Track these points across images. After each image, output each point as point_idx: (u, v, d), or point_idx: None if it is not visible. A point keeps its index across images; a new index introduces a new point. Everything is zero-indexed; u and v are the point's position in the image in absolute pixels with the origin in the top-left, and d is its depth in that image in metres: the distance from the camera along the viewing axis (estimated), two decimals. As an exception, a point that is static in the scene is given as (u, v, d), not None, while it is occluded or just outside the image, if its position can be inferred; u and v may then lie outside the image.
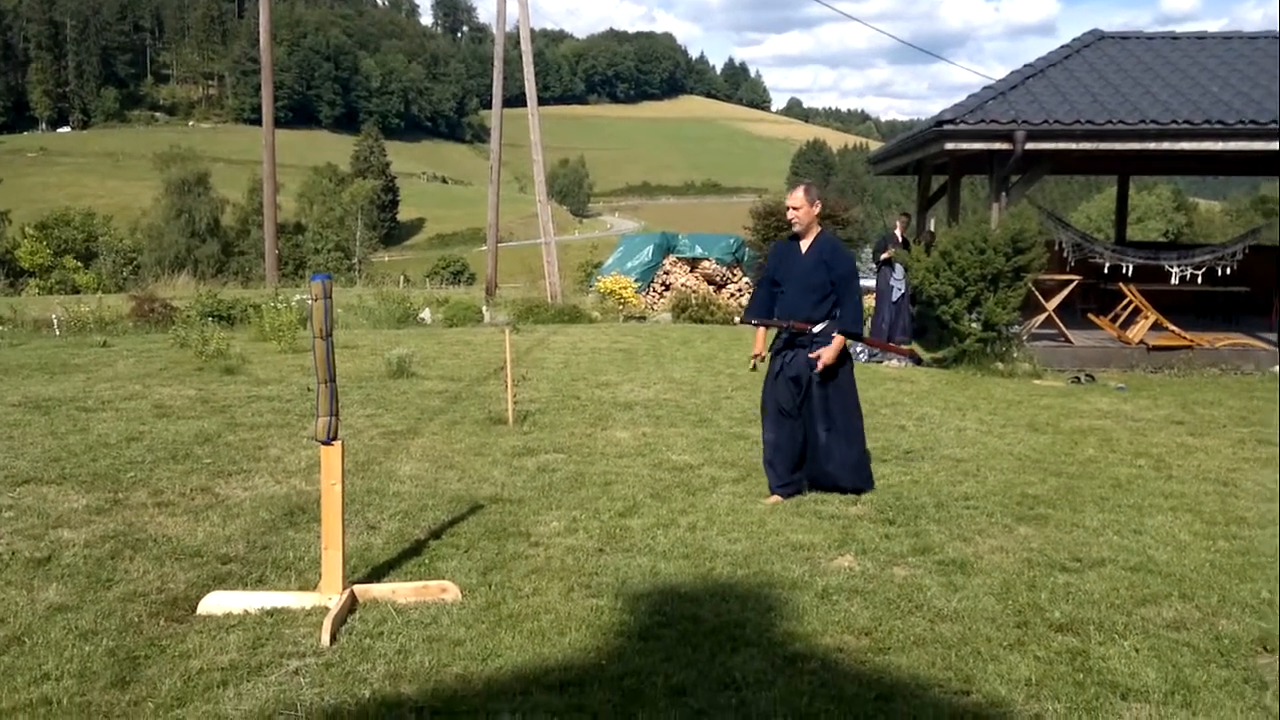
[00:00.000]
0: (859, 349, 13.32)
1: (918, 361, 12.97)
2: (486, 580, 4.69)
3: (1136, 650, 4.02)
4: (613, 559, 5.02)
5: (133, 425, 7.94)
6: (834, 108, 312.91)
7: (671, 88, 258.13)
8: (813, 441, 6.26)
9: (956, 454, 7.55)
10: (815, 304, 6.28)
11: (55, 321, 15.95)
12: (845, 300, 6.26)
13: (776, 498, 6.17)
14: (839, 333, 6.22)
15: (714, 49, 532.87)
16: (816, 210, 6.40)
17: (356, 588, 4.45)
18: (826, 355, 6.15)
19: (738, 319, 20.19)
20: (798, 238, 6.41)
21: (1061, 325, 13.36)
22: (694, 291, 21.10)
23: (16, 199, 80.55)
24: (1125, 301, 13.72)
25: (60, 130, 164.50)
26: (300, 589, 4.50)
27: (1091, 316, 14.13)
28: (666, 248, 22.39)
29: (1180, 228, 67.42)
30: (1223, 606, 4.52)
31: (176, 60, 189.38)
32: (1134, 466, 7.27)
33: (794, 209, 6.35)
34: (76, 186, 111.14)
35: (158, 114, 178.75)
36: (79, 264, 44.69)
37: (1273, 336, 13.34)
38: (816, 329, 6.24)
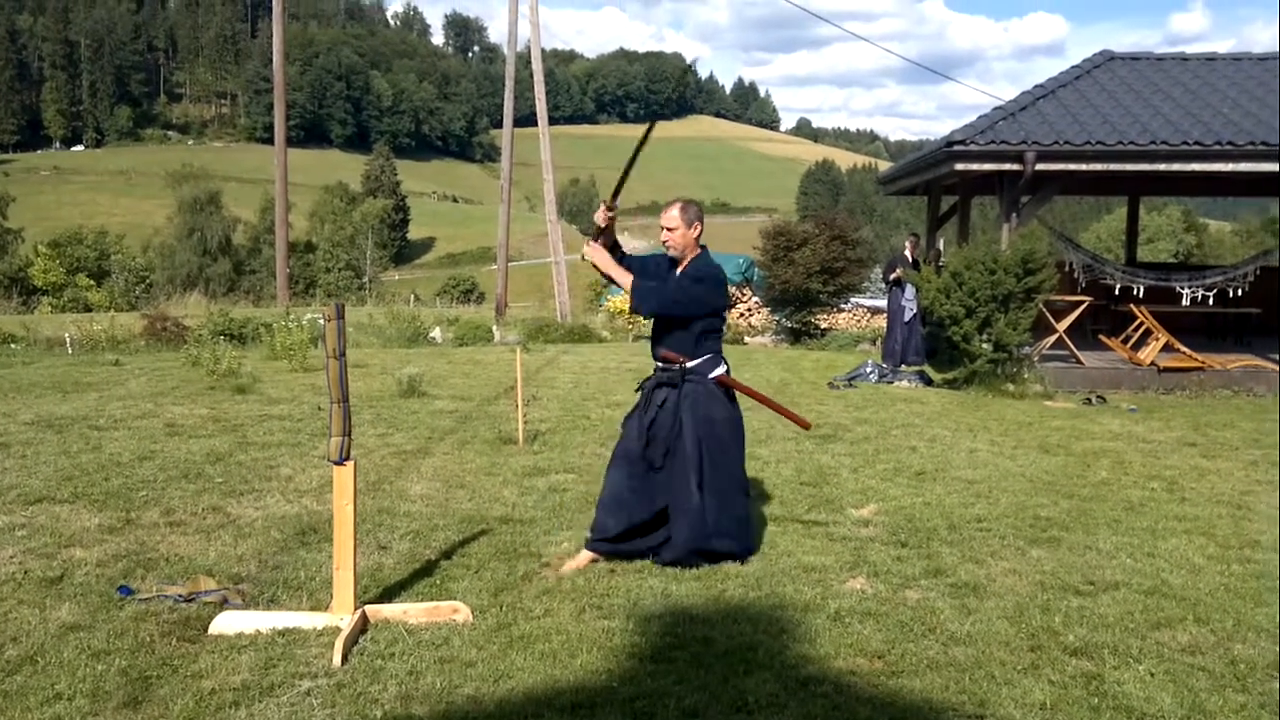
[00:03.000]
0: (869, 369, 13.31)
1: (928, 382, 12.95)
2: (498, 601, 4.69)
3: (1151, 674, 3.99)
4: (624, 580, 5.01)
5: (145, 444, 7.97)
6: (843, 128, 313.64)
7: (681, 107, 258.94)
8: (680, 503, 5.18)
9: (968, 476, 7.53)
10: (684, 333, 5.26)
11: (68, 340, 16.03)
12: (667, 286, 5.24)
13: (590, 555, 5.22)
14: (632, 284, 5.20)
15: (723, 69, 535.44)
16: (696, 233, 5.29)
17: (368, 608, 4.45)
18: (592, 253, 5.24)
19: (747, 338, 20.20)
20: (675, 262, 5.36)
21: (1072, 346, 13.33)
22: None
23: (30, 217, 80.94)
24: (1136, 323, 13.69)
25: (74, 149, 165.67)
26: (312, 609, 4.50)
27: (1102, 338, 14.11)
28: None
29: (1190, 249, 67.19)
30: (1238, 630, 4.49)
31: (190, 79, 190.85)
32: (1146, 489, 7.24)
33: (668, 230, 5.28)
34: (89, 205, 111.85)
35: (170, 133, 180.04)
36: (91, 282, 44.95)
37: (1285, 358, 13.29)
38: (691, 363, 5.25)
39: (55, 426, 8.62)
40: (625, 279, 5.26)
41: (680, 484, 5.19)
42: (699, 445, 5.20)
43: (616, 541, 5.22)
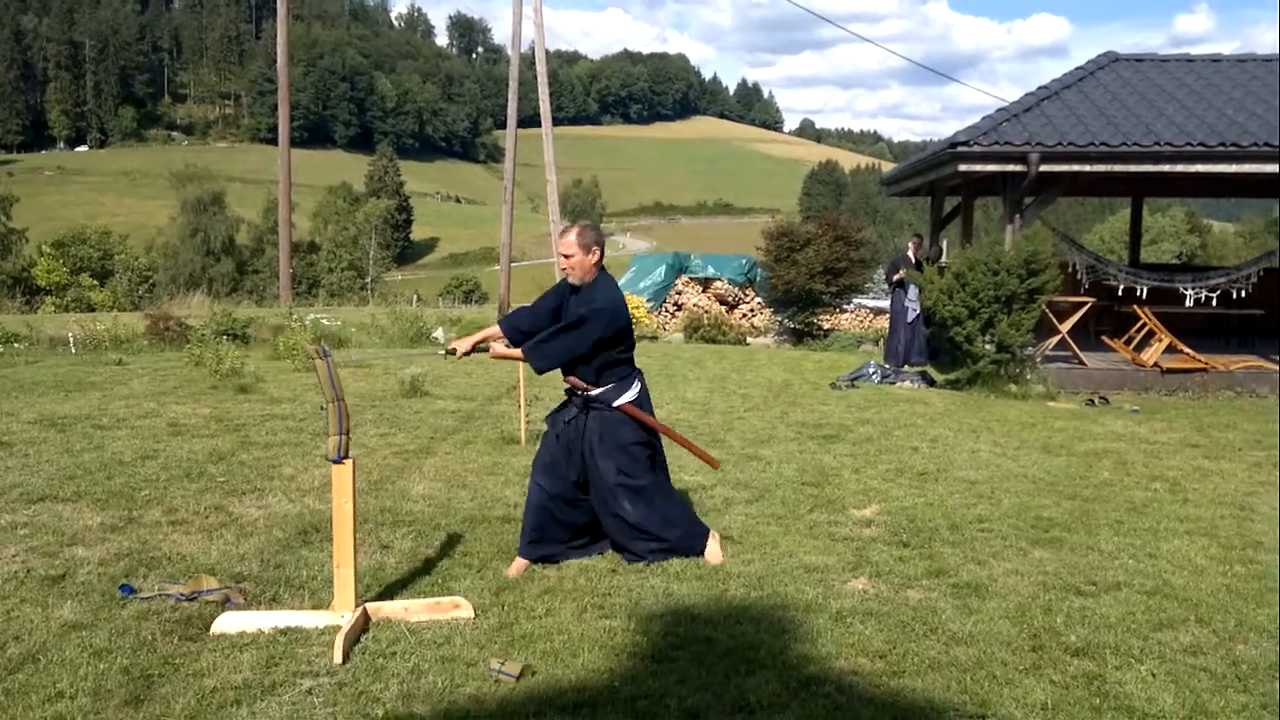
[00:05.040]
0: (872, 369, 13.30)
1: (931, 383, 12.94)
2: (499, 600, 4.69)
3: (1153, 675, 3.99)
4: (625, 580, 5.01)
5: (147, 443, 7.98)
6: (847, 128, 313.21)
7: (684, 108, 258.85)
8: (617, 518, 5.22)
9: (970, 476, 7.52)
10: (585, 367, 5.24)
11: (71, 339, 16.03)
12: (555, 338, 5.16)
13: (525, 562, 5.18)
14: (523, 349, 5.15)
15: (727, 70, 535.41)
16: (594, 258, 5.17)
17: (369, 606, 4.45)
18: (464, 346, 5.18)
19: (750, 339, 20.20)
20: (575, 289, 5.26)
21: (1075, 347, 13.31)
22: (706, 312, 21.12)
23: (34, 217, 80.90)
24: (1139, 324, 13.67)
25: (78, 149, 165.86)
26: (314, 608, 4.51)
27: (1105, 339, 14.09)
28: (679, 268, 22.43)
29: (1194, 250, 67.22)
30: (1240, 631, 4.49)
31: (194, 80, 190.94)
32: (1149, 490, 7.23)
33: (566, 256, 5.17)
34: (93, 205, 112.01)
35: (174, 133, 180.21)
36: (95, 282, 44.94)
37: (1288, 359, 13.27)
38: (595, 391, 5.24)
39: (58, 425, 8.63)
40: (515, 351, 5.19)
41: (606, 507, 5.23)
42: (617, 471, 5.21)
43: (552, 546, 5.26)
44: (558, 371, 5.30)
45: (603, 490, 5.22)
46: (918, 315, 14.86)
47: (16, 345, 15.42)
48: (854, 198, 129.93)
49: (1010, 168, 12.70)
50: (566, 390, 5.40)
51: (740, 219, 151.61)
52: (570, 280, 5.24)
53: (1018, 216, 13.13)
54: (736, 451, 8.26)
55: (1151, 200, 35.32)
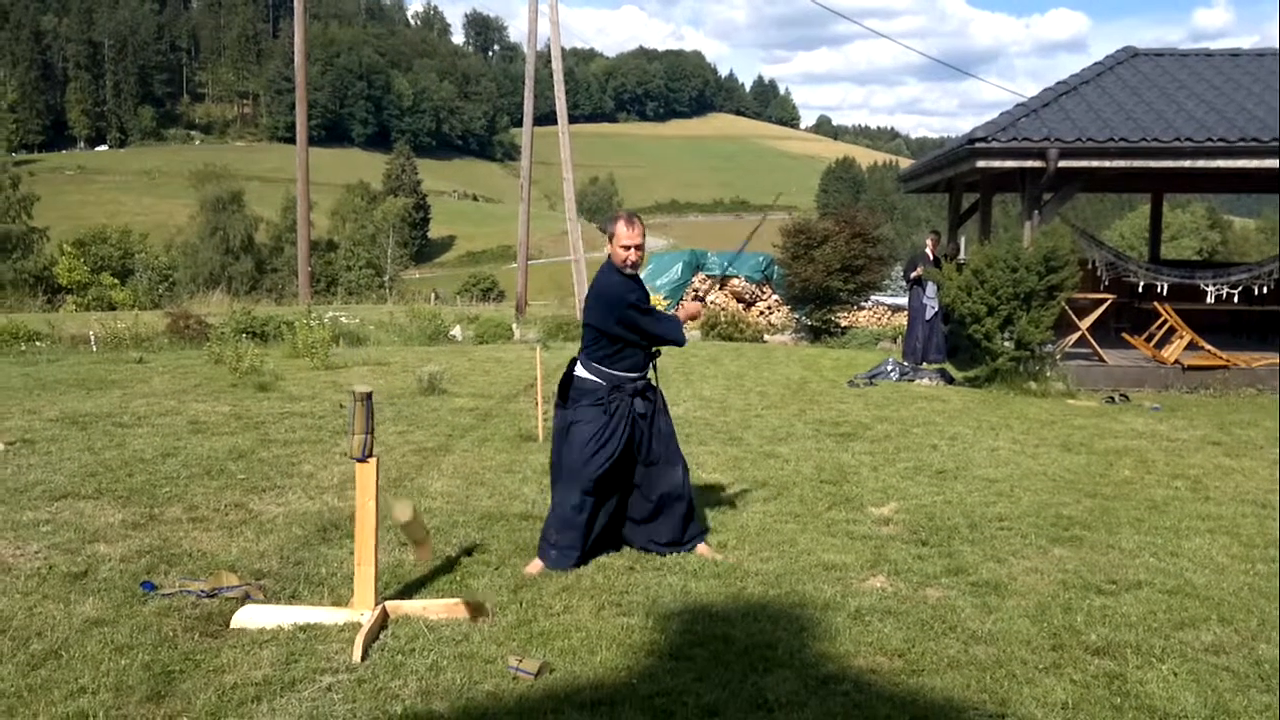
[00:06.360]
0: (890, 367, 13.26)
1: (950, 380, 12.89)
2: (517, 598, 4.70)
3: (1175, 674, 3.96)
4: (643, 577, 5.01)
5: (168, 441, 8.03)
6: (863, 125, 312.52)
7: (701, 105, 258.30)
8: (679, 500, 5.34)
9: (989, 474, 7.49)
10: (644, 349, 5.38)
11: (92, 338, 16.15)
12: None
13: (540, 564, 5.14)
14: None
15: (743, 67, 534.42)
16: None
17: (388, 604, 4.46)
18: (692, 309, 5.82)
19: (767, 336, 20.17)
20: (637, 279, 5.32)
21: (1095, 344, 13.24)
22: (723, 309, 21.10)
23: (55, 216, 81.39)
24: (1160, 321, 13.58)
25: (98, 149, 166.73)
26: (333, 605, 4.52)
27: (1126, 336, 14.00)
28: (696, 265, 22.42)
29: (1214, 246, 66.80)
30: (1262, 630, 4.45)
31: (212, 79, 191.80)
32: (1170, 488, 7.18)
33: (638, 248, 5.22)
34: (113, 204, 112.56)
35: (193, 133, 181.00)
36: (115, 281, 45.26)
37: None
38: (652, 376, 5.43)
39: (80, 423, 8.70)
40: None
41: (667, 488, 5.33)
42: (676, 452, 5.44)
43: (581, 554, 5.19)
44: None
45: (668, 471, 5.34)
46: (936, 312, 14.80)
47: (38, 344, 15.55)
48: (871, 195, 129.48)
49: (1029, 164, 12.64)
50: (625, 380, 5.25)
51: (757, 216, 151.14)
52: (630, 269, 5.21)
53: (1036, 213, 13.06)
54: (754, 449, 8.25)
55: (1171, 196, 35.04)
